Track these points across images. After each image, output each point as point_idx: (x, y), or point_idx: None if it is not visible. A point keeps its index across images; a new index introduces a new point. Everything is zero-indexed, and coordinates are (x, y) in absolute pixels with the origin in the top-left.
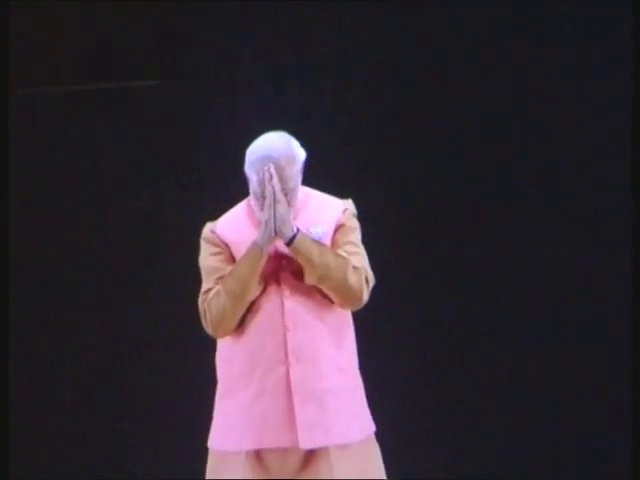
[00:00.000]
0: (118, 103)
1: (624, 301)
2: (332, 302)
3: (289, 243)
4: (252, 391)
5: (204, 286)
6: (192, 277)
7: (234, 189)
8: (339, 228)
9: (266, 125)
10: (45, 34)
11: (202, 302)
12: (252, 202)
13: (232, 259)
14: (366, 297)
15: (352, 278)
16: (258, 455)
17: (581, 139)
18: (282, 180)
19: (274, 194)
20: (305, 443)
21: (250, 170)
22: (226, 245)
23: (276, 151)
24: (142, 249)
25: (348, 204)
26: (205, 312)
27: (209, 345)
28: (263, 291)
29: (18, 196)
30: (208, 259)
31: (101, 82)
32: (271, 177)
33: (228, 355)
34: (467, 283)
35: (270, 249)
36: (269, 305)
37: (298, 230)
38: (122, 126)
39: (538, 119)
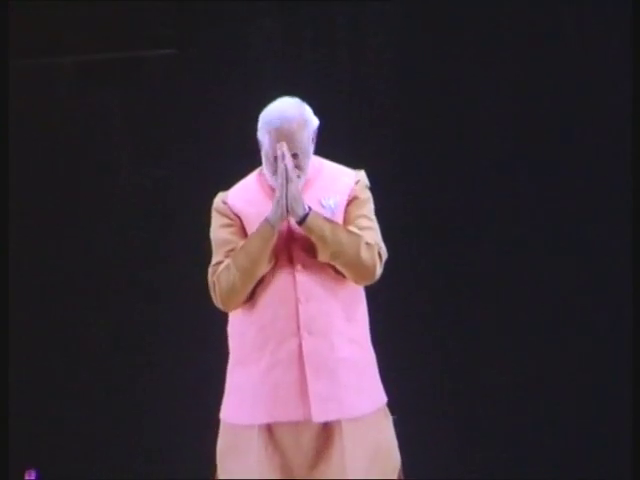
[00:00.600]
0: (128, 73)
1: (624, 301)
2: (344, 277)
3: (301, 222)
4: (264, 364)
5: (214, 258)
6: (192, 277)
7: (247, 166)
8: (352, 201)
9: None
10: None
11: (212, 275)
12: (264, 164)
13: (243, 231)
14: (379, 272)
15: (365, 254)
16: (270, 429)
17: (581, 139)
18: (292, 142)
19: (286, 172)
20: (318, 416)
21: (262, 132)
22: (237, 217)
23: (288, 114)
24: (142, 248)
25: (361, 175)
26: (215, 285)
27: (210, 345)
28: (275, 266)
29: (18, 182)
30: (219, 231)
31: (108, 52)
32: (284, 155)
33: (240, 328)
34: (467, 283)
35: (282, 226)
36: (281, 279)
37: (310, 209)
38: (131, 99)
39: (538, 119)
